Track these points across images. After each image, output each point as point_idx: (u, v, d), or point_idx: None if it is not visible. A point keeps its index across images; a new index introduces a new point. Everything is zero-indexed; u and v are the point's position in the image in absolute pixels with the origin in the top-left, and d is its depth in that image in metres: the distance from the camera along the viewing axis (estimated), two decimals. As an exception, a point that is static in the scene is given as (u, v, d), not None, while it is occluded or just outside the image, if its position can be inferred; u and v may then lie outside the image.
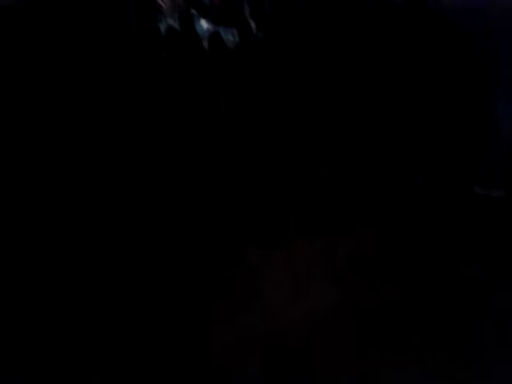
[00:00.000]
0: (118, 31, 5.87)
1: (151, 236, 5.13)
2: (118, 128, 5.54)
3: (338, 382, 3.76)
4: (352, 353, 4.04)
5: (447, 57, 6.57)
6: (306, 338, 4.19)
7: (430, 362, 3.85)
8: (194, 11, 7.79)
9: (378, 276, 4.68)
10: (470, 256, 4.69)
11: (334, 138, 6.00)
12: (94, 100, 5.52)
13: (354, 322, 4.29)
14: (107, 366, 4.05)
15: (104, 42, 5.75)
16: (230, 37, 7.32)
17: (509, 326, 4.01)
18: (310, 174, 5.71)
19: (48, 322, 4.49)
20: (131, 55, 5.79)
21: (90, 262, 4.93)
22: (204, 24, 7.94)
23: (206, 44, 7.04)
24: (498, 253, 4.60)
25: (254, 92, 6.08)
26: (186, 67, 5.92)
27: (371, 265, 4.79)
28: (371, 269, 4.76)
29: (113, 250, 5.03)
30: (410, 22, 8.95)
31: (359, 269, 4.76)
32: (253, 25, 7.92)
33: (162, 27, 6.56)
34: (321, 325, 4.24)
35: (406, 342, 4.06)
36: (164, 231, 5.19)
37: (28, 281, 4.65)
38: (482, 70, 5.00)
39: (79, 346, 4.28)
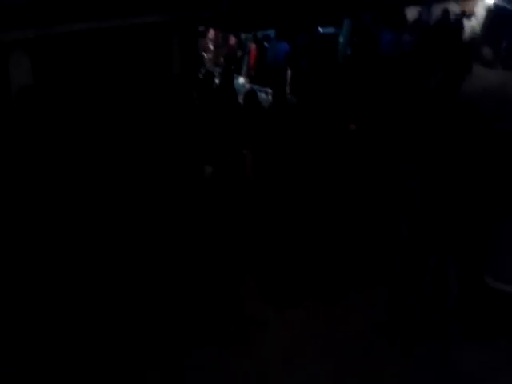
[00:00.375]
0: (160, 73, 6.04)
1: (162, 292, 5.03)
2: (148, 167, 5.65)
3: None
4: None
5: (472, 150, 6.71)
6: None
7: None
8: (233, 68, 8.10)
9: (383, 346, 4.52)
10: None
11: (352, 208, 6.00)
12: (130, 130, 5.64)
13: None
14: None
15: (147, 81, 5.92)
16: (264, 95, 7.53)
17: None
18: (330, 238, 5.68)
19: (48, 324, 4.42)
20: (170, 95, 5.93)
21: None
22: (241, 80, 8.22)
23: (241, 98, 7.25)
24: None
25: (278, 150, 6.14)
26: (218, 115, 6.02)
27: (378, 334, 4.65)
28: (378, 338, 4.62)
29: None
30: (441, 108, 9.20)
31: (365, 337, 4.60)
32: (288, 89, 8.19)
33: (201, 75, 6.75)
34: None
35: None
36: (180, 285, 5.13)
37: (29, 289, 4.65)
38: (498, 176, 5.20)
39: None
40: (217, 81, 6.97)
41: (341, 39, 9.93)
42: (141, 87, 5.94)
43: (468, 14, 11.74)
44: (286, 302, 4.87)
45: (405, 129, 6.91)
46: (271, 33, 9.56)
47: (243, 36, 9.36)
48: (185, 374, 4.07)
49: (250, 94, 6.47)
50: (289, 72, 8.06)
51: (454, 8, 11.96)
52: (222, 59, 8.53)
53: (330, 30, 10.07)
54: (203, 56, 8.39)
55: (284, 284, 5.04)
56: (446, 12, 10.87)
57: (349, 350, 4.42)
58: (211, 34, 8.69)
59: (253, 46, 8.65)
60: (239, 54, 8.82)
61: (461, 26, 11.01)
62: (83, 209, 5.19)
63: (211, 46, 8.59)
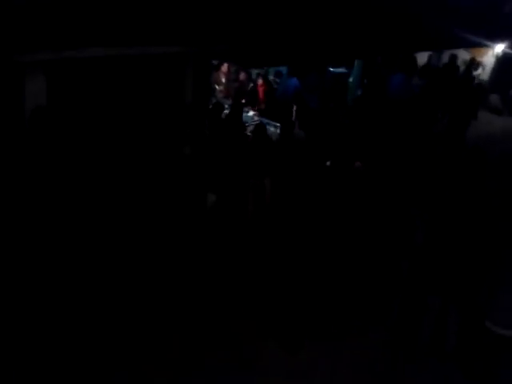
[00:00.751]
0: (174, 101, 6.17)
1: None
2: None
3: None
4: None
5: (475, 195, 6.73)
6: None
7: None
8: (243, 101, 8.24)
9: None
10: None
11: (354, 250, 5.99)
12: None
13: None
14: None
15: (161, 108, 6.05)
16: (272, 129, 7.63)
17: None
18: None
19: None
20: (182, 123, 6.05)
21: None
22: (251, 113, 8.37)
23: (249, 130, 7.36)
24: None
25: (285, 182, 6.17)
26: (225, 147, 6.11)
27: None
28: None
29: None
30: (447, 152, 9.26)
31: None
32: (296, 124, 8.28)
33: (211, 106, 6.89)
34: None
35: None
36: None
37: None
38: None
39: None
40: (226, 112, 7.08)
41: (351, 79, 10.10)
42: (154, 113, 6.06)
43: (477, 62, 11.94)
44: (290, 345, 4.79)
45: (411, 171, 6.95)
46: (283, 69, 9.80)
47: (255, 71, 9.57)
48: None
49: (259, 127, 6.57)
50: (295, 108, 8.18)
51: (464, 55, 12.19)
52: (232, 92, 8.71)
53: (341, 69, 10.27)
54: (215, 88, 8.57)
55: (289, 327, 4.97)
56: (453, 57, 11.07)
57: None
58: (224, 67, 8.90)
59: (260, 81, 8.84)
60: (250, 87, 9.00)
61: (470, 73, 11.17)
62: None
63: (223, 79, 8.78)
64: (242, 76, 8.91)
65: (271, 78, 9.88)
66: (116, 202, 5.44)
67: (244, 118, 7.93)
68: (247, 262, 5.75)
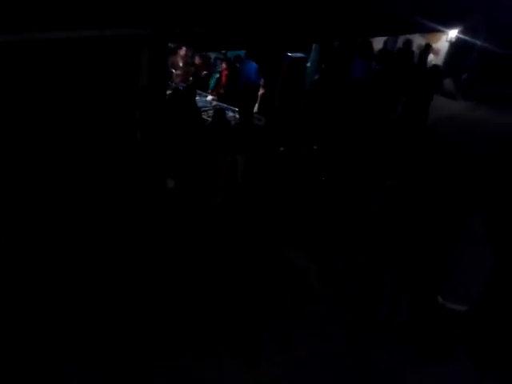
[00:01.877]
0: (129, 83, 6.05)
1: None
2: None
3: None
4: None
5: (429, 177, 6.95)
6: None
7: None
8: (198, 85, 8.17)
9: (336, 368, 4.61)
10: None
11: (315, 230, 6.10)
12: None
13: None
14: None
15: (115, 90, 5.93)
16: (231, 114, 7.62)
17: None
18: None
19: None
20: (133, 106, 5.95)
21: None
22: (209, 98, 8.32)
23: (207, 114, 7.33)
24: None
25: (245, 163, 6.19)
26: (180, 131, 6.05)
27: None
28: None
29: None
30: (404, 136, 9.49)
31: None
32: (256, 108, 8.31)
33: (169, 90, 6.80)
34: None
35: None
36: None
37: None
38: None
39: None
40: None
41: (309, 64, 10.16)
42: (108, 98, 5.94)
43: (432, 47, 12.20)
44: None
45: (367, 152, 7.10)
46: (242, 53, 9.76)
47: (213, 55, 9.48)
48: None
49: (218, 112, 6.54)
50: (259, 92, 8.19)
51: (419, 40, 12.45)
52: (191, 77, 8.61)
53: (299, 54, 10.30)
54: (172, 72, 8.45)
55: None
56: (408, 42, 11.28)
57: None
58: (182, 51, 8.77)
59: (224, 65, 8.77)
60: (204, 72, 8.92)
61: (425, 58, 11.42)
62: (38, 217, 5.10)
63: (181, 63, 8.66)
64: (197, 60, 8.80)
65: (231, 62, 9.82)
66: (67, 189, 5.35)
67: (202, 103, 7.89)
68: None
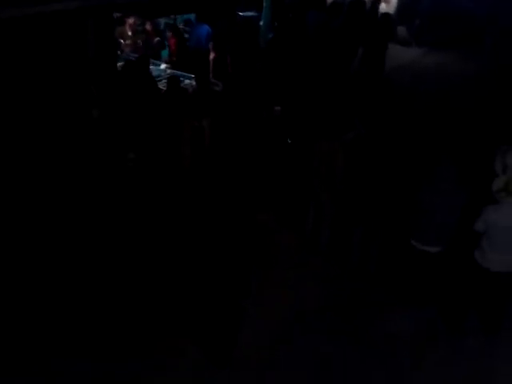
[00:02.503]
0: (75, 57, 5.84)
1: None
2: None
3: None
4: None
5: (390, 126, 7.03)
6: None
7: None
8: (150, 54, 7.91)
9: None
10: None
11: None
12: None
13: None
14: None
15: (61, 66, 5.71)
16: (187, 81, 7.43)
17: None
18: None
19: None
20: (86, 81, 5.74)
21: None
22: (163, 66, 8.08)
23: (163, 83, 7.14)
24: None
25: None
26: (136, 103, 5.89)
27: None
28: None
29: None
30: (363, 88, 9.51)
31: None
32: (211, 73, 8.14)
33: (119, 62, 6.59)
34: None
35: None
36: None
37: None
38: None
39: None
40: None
41: (261, 23, 9.97)
42: (56, 71, 5.72)
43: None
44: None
45: (328, 107, 7.09)
46: (192, 17, 9.47)
47: (163, 21, 9.18)
48: None
49: (172, 79, 6.38)
50: (211, 56, 7.99)
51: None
52: (140, 46, 8.30)
53: (251, 13, 10.08)
54: (120, 42, 8.14)
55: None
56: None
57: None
58: (130, 20, 8.44)
59: (169, 33, 8.51)
60: (157, 39, 8.63)
61: (375, 7, 11.34)
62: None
63: (129, 33, 8.35)
64: (148, 26, 8.48)
65: (181, 26, 9.52)
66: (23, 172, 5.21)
67: (156, 72, 7.66)
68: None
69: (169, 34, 8.62)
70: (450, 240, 4.60)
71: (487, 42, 12.67)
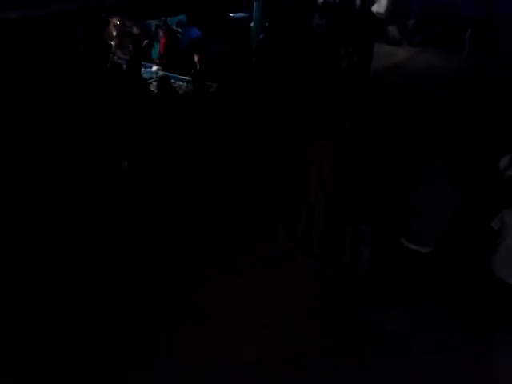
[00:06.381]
0: (66, 61, 5.78)
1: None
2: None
3: None
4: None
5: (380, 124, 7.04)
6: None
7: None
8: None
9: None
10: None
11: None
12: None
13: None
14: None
15: (54, 71, 5.67)
16: (179, 82, 7.39)
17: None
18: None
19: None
20: (78, 84, 5.69)
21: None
22: (154, 68, 8.03)
23: (154, 85, 7.09)
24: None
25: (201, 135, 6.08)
26: (126, 105, 5.85)
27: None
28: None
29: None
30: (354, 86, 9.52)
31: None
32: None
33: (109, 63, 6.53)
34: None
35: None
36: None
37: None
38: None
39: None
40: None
41: (252, 24, 9.96)
42: (48, 77, 5.66)
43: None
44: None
45: (317, 107, 7.07)
46: (184, 19, 9.44)
47: (154, 23, 9.13)
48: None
49: (163, 80, 6.32)
50: (197, 58, 7.95)
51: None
52: (130, 47, 8.24)
53: (242, 14, 10.07)
54: (111, 44, 8.10)
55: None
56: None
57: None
58: (115, 20, 8.36)
59: (161, 33, 8.45)
60: (146, 42, 8.56)
61: (366, 7, 11.39)
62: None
63: (114, 33, 8.28)
64: (136, 30, 8.42)
65: (173, 28, 9.49)
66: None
67: (147, 74, 7.62)
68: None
69: (160, 33, 8.56)
70: (444, 240, 4.56)
71: (466, 42, 12.89)
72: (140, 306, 4.71)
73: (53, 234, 5.18)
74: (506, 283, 4.27)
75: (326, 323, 4.71)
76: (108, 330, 4.47)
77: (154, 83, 7.30)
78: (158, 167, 5.85)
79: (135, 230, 5.49)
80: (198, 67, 7.93)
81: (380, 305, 4.92)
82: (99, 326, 4.48)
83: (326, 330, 4.64)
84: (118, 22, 8.19)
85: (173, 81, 7.08)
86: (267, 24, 9.87)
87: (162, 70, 7.88)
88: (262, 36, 9.49)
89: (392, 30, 13.47)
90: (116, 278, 4.98)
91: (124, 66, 6.46)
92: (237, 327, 4.57)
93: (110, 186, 5.78)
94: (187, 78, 7.32)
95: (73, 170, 5.54)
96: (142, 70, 7.24)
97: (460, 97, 9.94)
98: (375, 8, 12.21)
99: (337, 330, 4.65)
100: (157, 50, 8.67)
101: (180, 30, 9.43)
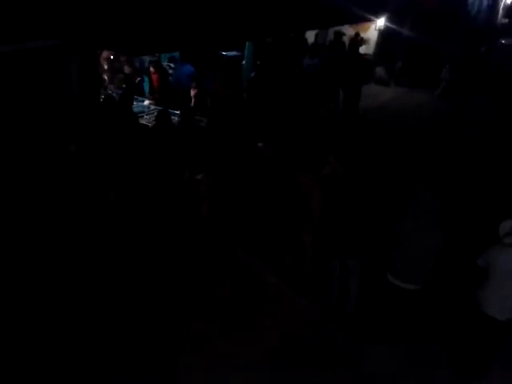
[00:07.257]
0: (59, 94, 5.85)
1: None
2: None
3: None
4: None
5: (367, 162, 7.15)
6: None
7: None
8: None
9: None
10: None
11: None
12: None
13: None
14: None
15: (46, 102, 5.73)
16: (172, 117, 7.45)
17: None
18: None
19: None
20: (70, 116, 5.75)
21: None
22: (146, 102, 8.14)
23: (146, 119, 7.18)
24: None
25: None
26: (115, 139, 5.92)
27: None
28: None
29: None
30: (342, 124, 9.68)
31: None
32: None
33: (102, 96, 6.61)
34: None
35: None
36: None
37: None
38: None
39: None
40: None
41: (244, 62, 10.18)
42: (38, 110, 5.72)
43: (361, 37, 12.52)
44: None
45: (306, 143, 7.19)
46: (176, 54, 9.63)
47: (147, 59, 9.29)
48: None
49: (162, 113, 6.39)
50: (192, 93, 8.08)
51: (349, 31, 12.76)
52: (123, 85, 8.33)
53: (234, 53, 10.31)
54: (105, 79, 8.22)
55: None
56: (338, 34, 11.54)
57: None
58: (105, 53, 8.50)
59: (152, 69, 8.59)
60: (138, 79, 8.67)
61: (355, 48, 11.71)
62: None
63: (105, 66, 8.39)
64: (127, 70, 8.52)
65: (165, 63, 9.67)
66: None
67: (139, 108, 7.72)
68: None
69: (151, 69, 8.69)
70: (430, 278, 4.56)
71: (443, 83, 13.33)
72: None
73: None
74: (497, 320, 4.26)
75: (313, 362, 4.64)
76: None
77: (146, 117, 7.40)
78: (145, 200, 5.88)
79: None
80: (193, 102, 8.05)
81: (368, 341, 4.89)
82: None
83: (315, 368, 4.57)
84: (107, 54, 8.32)
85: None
86: (258, 62, 10.13)
87: (154, 105, 7.99)
88: (253, 74, 9.71)
89: (379, 70, 13.83)
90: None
91: (117, 99, 6.54)
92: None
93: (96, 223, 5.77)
94: (179, 112, 7.43)
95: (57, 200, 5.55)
96: (134, 103, 7.35)
97: (444, 136, 10.19)
98: (364, 49, 12.56)
99: (326, 367, 4.58)
100: (148, 84, 8.80)
101: (172, 65, 9.63)
